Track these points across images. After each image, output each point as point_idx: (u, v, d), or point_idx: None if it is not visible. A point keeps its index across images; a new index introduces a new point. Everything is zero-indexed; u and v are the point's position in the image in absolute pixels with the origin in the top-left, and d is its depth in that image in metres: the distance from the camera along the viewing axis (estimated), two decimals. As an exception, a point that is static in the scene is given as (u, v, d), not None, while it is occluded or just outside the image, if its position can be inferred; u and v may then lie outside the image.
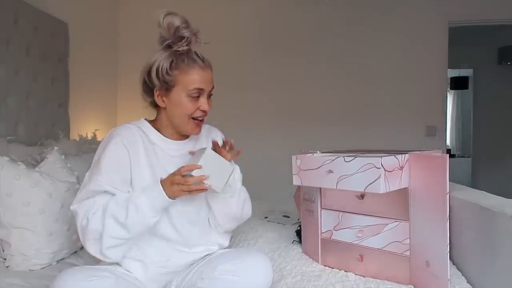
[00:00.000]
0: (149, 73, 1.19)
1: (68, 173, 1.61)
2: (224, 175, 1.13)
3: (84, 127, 2.78)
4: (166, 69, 1.15)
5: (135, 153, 1.17)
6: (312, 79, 3.36)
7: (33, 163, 1.73)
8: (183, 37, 1.14)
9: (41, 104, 2.25)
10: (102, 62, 3.22)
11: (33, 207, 1.41)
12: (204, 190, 1.09)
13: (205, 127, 1.35)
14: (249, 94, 3.37)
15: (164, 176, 1.14)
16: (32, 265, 1.41)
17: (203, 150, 1.12)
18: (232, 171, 1.17)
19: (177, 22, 1.13)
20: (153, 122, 1.26)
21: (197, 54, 1.18)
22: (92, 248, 1.09)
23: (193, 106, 1.17)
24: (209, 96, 1.21)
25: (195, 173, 1.07)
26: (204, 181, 1.08)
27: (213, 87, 1.21)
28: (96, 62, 3.09)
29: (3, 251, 1.44)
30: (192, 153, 1.22)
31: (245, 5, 3.41)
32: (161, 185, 1.09)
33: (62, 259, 1.52)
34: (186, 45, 1.15)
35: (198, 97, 1.17)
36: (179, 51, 1.15)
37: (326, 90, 3.36)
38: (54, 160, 1.61)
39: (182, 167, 1.08)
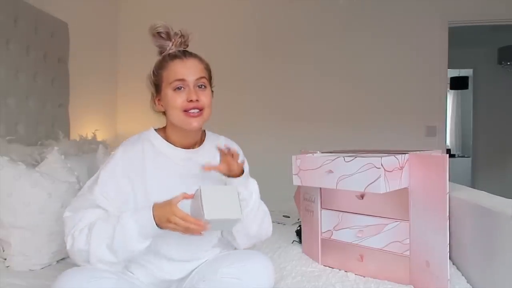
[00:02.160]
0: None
1: (68, 173, 1.61)
2: (233, 201, 1.03)
3: (84, 127, 2.78)
4: (153, 71, 1.20)
5: (139, 169, 1.15)
6: (312, 79, 3.36)
7: (33, 163, 1.73)
8: (161, 36, 1.17)
9: (41, 104, 2.25)
10: (102, 62, 3.22)
11: (33, 207, 1.41)
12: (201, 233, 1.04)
13: (221, 139, 1.32)
14: (249, 94, 3.37)
15: (172, 186, 1.14)
16: (32, 265, 1.41)
17: (198, 191, 1.03)
18: (238, 192, 1.07)
19: (156, 22, 1.17)
20: (162, 130, 1.25)
21: (179, 51, 1.18)
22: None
23: (180, 99, 1.14)
24: (202, 86, 1.17)
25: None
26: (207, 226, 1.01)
27: (202, 78, 1.16)
28: (96, 62, 3.08)
29: (3, 251, 1.44)
30: (189, 197, 1.07)
31: (245, 5, 3.41)
32: (153, 211, 1.03)
33: (62, 259, 1.52)
34: (174, 46, 1.18)
35: (183, 89, 1.14)
36: (169, 54, 1.18)
37: (326, 90, 3.35)
38: (54, 160, 1.61)
39: (188, 216, 1.01)
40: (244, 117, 3.34)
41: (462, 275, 1.39)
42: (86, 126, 2.82)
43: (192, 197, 1.04)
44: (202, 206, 0.98)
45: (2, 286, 1.23)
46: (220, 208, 1.00)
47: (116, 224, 1.04)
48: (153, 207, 1.04)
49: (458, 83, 6.06)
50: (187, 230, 1.01)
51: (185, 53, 1.18)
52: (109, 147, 2.54)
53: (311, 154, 1.49)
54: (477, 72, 5.35)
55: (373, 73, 3.31)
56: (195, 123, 1.15)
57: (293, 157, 1.48)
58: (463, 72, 5.93)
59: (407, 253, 1.33)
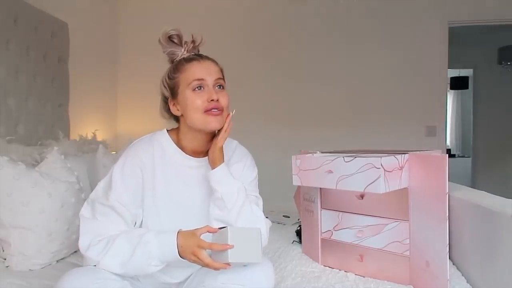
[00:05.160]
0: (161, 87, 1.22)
1: (68, 173, 1.60)
2: (256, 244, 1.03)
3: (84, 127, 2.78)
4: (168, 75, 1.18)
5: (150, 173, 1.15)
6: (312, 79, 3.36)
7: (33, 163, 1.73)
8: (173, 42, 1.17)
9: (41, 104, 2.25)
10: (102, 62, 3.22)
11: (33, 207, 1.41)
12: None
13: (233, 144, 1.29)
14: (248, 94, 3.37)
15: (178, 192, 1.14)
16: (32, 265, 1.41)
17: (225, 231, 1.01)
18: (260, 234, 1.06)
19: (167, 28, 1.17)
20: (175, 134, 1.22)
21: (194, 54, 1.18)
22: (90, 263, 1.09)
23: (200, 99, 1.12)
24: (220, 87, 1.16)
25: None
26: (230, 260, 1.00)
27: (220, 79, 1.16)
28: (96, 62, 3.09)
29: (3, 251, 1.44)
30: (213, 231, 1.05)
31: (245, 7, 3.41)
32: (177, 239, 1.02)
33: (62, 258, 1.53)
34: (186, 51, 1.18)
35: (203, 89, 1.13)
36: (184, 58, 1.17)
37: (326, 90, 3.36)
38: (54, 160, 1.61)
39: (213, 244, 1.01)
40: (244, 117, 3.32)
41: (462, 275, 1.39)
42: (86, 126, 2.82)
43: (215, 231, 1.04)
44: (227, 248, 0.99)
45: (2, 286, 1.23)
46: (243, 251, 1.01)
47: (137, 245, 1.04)
48: (177, 235, 1.03)
49: (458, 83, 6.06)
50: (207, 266, 1.01)
51: (201, 55, 1.18)
52: (109, 147, 2.55)
53: (311, 154, 1.49)
54: (477, 72, 5.34)
55: (373, 73, 3.31)
56: (215, 123, 1.13)
57: (293, 157, 1.48)
58: (463, 72, 5.93)
59: (407, 253, 1.33)
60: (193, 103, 1.12)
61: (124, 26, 3.46)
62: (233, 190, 1.15)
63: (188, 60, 1.16)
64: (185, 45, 1.18)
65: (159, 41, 1.18)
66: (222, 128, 1.15)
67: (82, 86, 2.76)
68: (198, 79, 1.13)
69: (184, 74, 1.15)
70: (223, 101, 1.14)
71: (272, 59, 3.38)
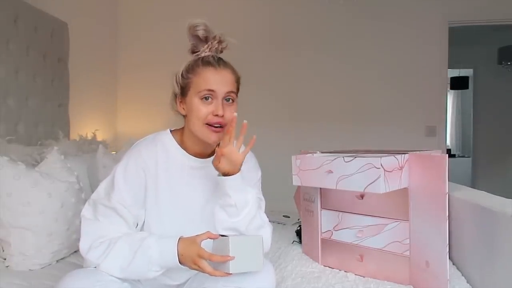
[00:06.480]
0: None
1: (68, 173, 1.60)
2: (257, 253, 1.02)
3: (84, 127, 2.78)
4: (182, 72, 1.15)
5: (153, 174, 1.13)
6: (312, 79, 3.36)
7: (33, 163, 1.73)
8: (198, 37, 1.13)
9: (41, 104, 2.25)
10: (102, 62, 3.22)
11: (33, 207, 1.41)
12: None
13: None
14: (249, 94, 3.35)
15: (182, 193, 1.13)
16: (32, 264, 1.41)
17: (226, 240, 1.00)
18: (262, 241, 1.04)
19: (195, 21, 1.13)
20: (178, 133, 1.21)
21: (214, 57, 1.14)
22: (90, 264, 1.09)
23: (206, 110, 1.10)
24: (229, 100, 1.13)
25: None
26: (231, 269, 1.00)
27: (232, 92, 1.13)
28: (96, 62, 3.09)
29: (3, 251, 1.44)
30: (214, 237, 1.04)
31: (246, 5, 3.41)
32: (177, 246, 1.01)
33: (62, 258, 1.53)
34: (209, 50, 1.14)
35: (211, 100, 1.11)
36: (203, 58, 1.14)
37: (326, 90, 3.36)
38: (54, 160, 1.61)
39: (212, 255, 0.99)
40: (244, 117, 3.33)
41: (462, 275, 1.39)
42: (86, 126, 2.82)
43: (216, 237, 1.03)
44: (226, 248, 0.99)
45: (2, 286, 1.23)
46: (244, 261, 1.00)
47: (137, 250, 1.03)
48: (178, 242, 1.02)
49: (458, 83, 6.06)
50: (208, 273, 1.00)
51: (219, 62, 1.14)
52: (109, 147, 2.55)
53: (310, 154, 1.49)
54: (477, 72, 5.35)
55: (373, 73, 3.31)
56: (214, 137, 1.12)
57: (293, 157, 1.48)
58: (463, 72, 5.93)
59: (407, 253, 1.33)
60: (198, 111, 1.10)
61: (124, 26, 3.45)
62: (248, 199, 1.12)
63: (205, 63, 1.12)
64: (210, 44, 1.14)
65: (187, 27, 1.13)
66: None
67: (82, 86, 2.76)
68: (209, 90, 1.10)
69: (197, 77, 1.12)
70: (228, 116, 1.12)
71: (271, 60, 3.38)
